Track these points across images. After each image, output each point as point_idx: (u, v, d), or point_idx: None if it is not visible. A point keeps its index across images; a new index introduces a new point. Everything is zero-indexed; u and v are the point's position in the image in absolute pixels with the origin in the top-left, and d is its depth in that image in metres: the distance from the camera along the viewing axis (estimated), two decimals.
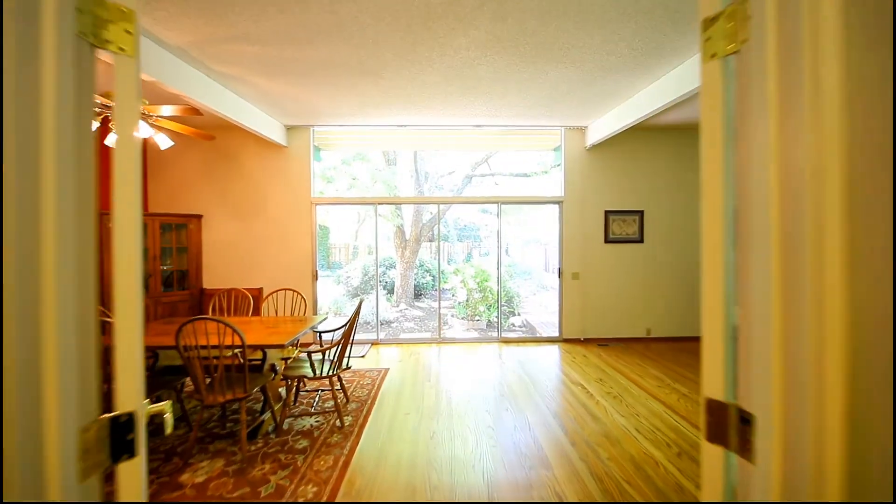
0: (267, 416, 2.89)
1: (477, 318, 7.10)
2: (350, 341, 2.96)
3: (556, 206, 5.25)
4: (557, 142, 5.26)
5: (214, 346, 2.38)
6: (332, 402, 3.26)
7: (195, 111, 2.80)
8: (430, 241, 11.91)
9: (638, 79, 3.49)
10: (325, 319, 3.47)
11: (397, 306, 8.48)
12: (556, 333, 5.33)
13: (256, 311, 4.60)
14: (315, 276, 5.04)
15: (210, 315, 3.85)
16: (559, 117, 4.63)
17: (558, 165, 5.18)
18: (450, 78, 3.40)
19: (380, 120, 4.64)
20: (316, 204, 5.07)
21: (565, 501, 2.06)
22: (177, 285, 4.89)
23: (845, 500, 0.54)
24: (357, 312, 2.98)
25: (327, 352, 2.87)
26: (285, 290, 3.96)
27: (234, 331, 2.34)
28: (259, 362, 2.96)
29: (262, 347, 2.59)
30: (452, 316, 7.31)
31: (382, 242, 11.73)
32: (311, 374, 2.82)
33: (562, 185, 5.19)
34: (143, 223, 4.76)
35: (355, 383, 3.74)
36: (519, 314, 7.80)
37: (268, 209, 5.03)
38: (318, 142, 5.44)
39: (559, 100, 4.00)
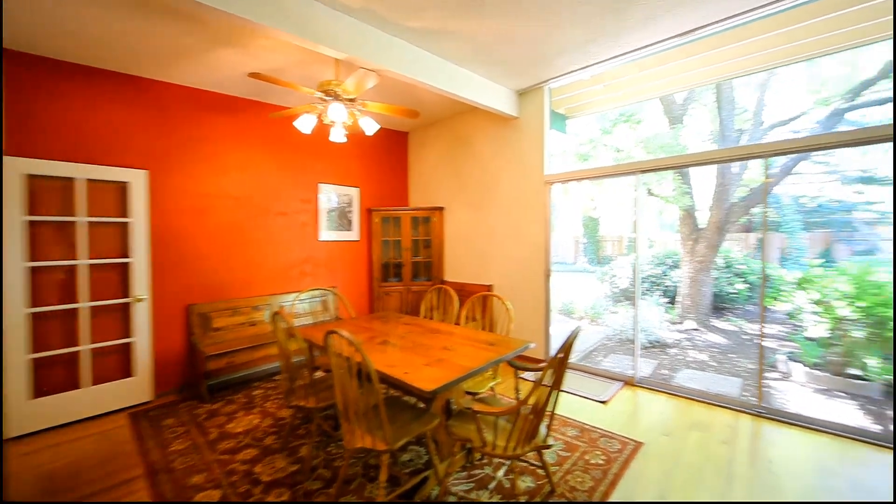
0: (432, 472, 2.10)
1: (849, 370, 3.74)
2: (549, 404, 1.69)
3: None
4: None
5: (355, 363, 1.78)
6: (525, 481, 2.09)
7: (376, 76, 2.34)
8: (747, 231, 8.16)
9: None
10: (527, 348, 2.30)
11: (680, 323, 5.98)
12: None
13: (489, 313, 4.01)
14: (548, 275, 3.92)
15: (423, 314, 3.54)
16: None
17: None
18: None
19: (639, 38, 2.86)
20: (550, 183, 3.92)
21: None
22: (423, 275, 5.11)
23: None
24: (566, 351, 1.65)
25: (519, 409, 1.73)
26: (488, 295, 3.08)
27: (362, 354, 1.64)
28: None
29: (400, 385, 1.78)
30: (790, 358, 4.21)
31: (664, 234, 9.00)
32: (479, 442, 1.77)
33: None
34: (397, 217, 5.27)
35: (574, 457, 2.37)
36: None
37: (499, 194, 4.35)
38: (561, 106, 4.23)
39: None
